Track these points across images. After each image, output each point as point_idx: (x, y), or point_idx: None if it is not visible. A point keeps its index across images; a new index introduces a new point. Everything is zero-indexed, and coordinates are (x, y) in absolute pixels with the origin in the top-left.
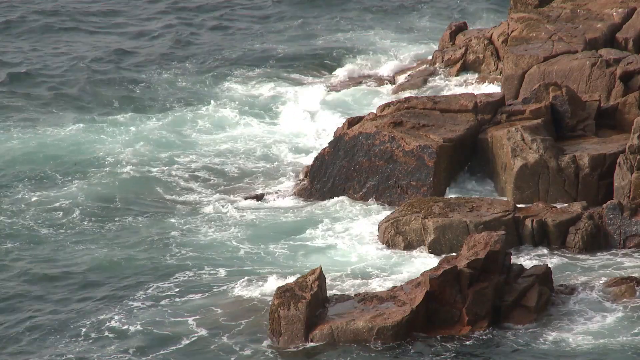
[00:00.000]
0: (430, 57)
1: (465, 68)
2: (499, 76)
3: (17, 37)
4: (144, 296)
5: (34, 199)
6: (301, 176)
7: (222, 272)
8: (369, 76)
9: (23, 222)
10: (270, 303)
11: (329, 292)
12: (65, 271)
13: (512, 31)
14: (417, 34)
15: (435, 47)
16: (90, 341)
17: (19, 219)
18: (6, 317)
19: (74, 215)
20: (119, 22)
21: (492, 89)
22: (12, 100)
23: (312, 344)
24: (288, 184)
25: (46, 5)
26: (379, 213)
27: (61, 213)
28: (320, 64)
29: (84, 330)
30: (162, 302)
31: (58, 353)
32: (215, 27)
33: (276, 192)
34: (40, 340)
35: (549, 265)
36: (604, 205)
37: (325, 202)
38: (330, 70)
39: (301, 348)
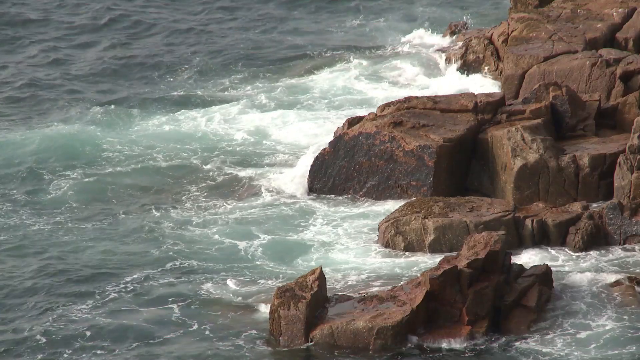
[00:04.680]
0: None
1: (465, 68)
2: (499, 77)
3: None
4: (132, 290)
5: (27, 192)
6: (301, 177)
7: (217, 270)
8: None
9: (15, 211)
10: (270, 303)
11: (329, 292)
12: (50, 261)
13: (512, 31)
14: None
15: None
16: (66, 332)
17: (12, 207)
18: None
19: (67, 208)
20: (114, 16)
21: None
22: (8, 95)
23: (312, 344)
24: (288, 182)
25: None
26: (379, 212)
27: (55, 206)
28: (328, 59)
29: (61, 320)
30: (152, 299)
31: (32, 342)
32: (226, 15)
33: (275, 190)
34: (15, 330)
35: (549, 265)
36: (604, 205)
37: (325, 201)
38: (339, 65)
39: (301, 348)
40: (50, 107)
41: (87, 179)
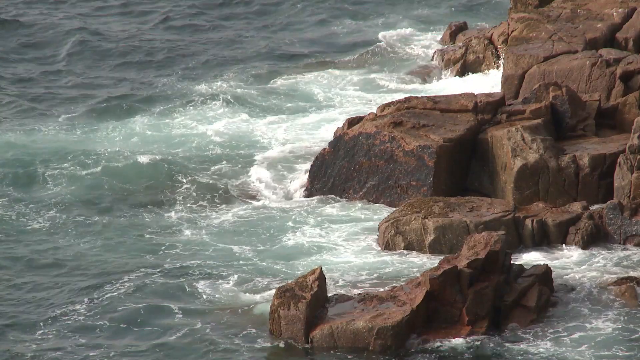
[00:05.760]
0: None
1: (465, 68)
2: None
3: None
4: (131, 290)
5: (22, 192)
6: (299, 178)
7: (215, 270)
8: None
9: (10, 210)
10: (270, 303)
11: (329, 292)
12: (46, 262)
13: (512, 31)
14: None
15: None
16: (64, 332)
17: (8, 208)
18: None
19: (62, 209)
20: (110, 19)
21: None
22: (3, 95)
23: (312, 344)
24: (287, 183)
25: None
26: (379, 213)
27: (49, 207)
28: (326, 59)
29: (59, 320)
30: (149, 299)
31: (28, 345)
32: (221, 16)
33: (274, 191)
34: (12, 330)
35: (549, 265)
36: (604, 205)
37: (325, 202)
38: (337, 65)
39: (301, 348)
40: (44, 108)
41: (81, 180)
